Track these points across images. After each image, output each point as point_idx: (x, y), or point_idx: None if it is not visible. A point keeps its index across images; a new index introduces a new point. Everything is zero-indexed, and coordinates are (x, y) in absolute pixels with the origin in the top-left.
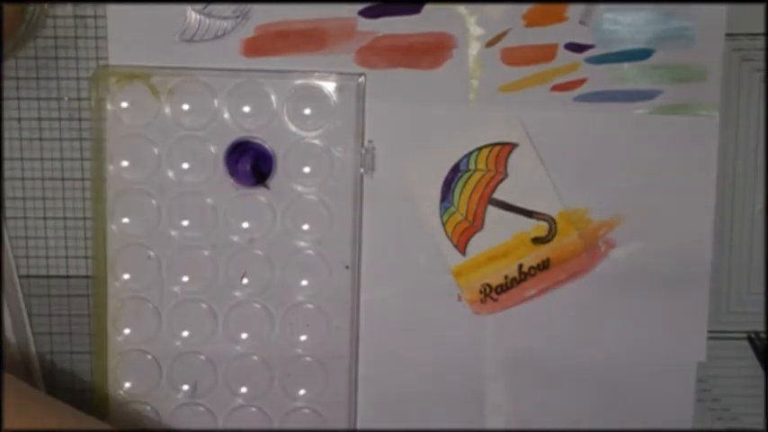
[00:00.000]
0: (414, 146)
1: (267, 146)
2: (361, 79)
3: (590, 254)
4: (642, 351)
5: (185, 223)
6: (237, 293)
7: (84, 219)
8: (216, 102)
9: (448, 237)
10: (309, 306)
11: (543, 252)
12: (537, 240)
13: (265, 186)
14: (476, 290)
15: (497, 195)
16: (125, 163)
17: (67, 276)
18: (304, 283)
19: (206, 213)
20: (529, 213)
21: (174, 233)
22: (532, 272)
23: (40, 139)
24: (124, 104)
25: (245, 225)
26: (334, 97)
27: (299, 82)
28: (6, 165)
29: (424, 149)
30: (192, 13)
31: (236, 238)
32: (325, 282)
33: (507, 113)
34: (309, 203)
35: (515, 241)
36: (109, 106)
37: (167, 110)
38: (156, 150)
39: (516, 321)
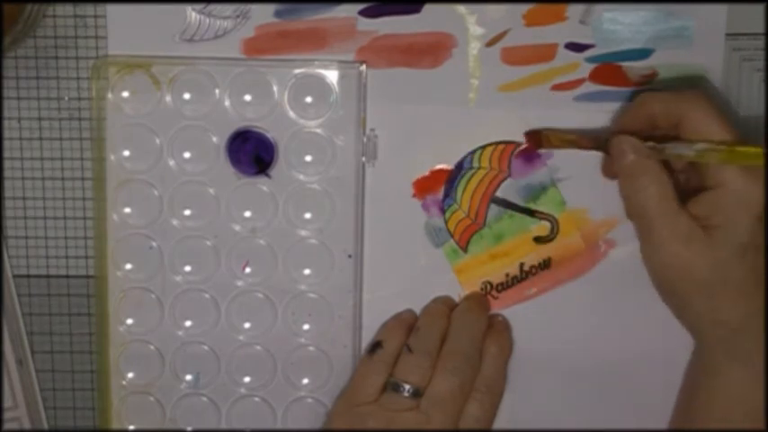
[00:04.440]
0: (413, 145)
1: (269, 135)
2: (363, 67)
3: (590, 254)
4: (642, 350)
5: (187, 213)
6: (240, 283)
7: (85, 218)
8: (217, 91)
9: (450, 234)
10: (312, 295)
11: (545, 251)
12: (539, 240)
13: (267, 175)
14: (477, 287)
15: (500, 194)
16: (126, 153)
17: (67, 276)
18: (306, 272)
19: (208, 203)
20: (531, 212)
21: (175, 223)
22: (533, 271)
23: (40, 138)
24: (125, 94)
25: (247, 214)
26: (336, 86)
27: (300, 71)
28: (6, 165)
29: (423, 149)
30: (192, 13)
31: (238, 228)
32: (327, 271)
33: (508, 113)
34: (311, 192)
35: (517, 240)
36: (110, 96)
37: (168, 99)
38: (157, 140)
39: (516, 320)
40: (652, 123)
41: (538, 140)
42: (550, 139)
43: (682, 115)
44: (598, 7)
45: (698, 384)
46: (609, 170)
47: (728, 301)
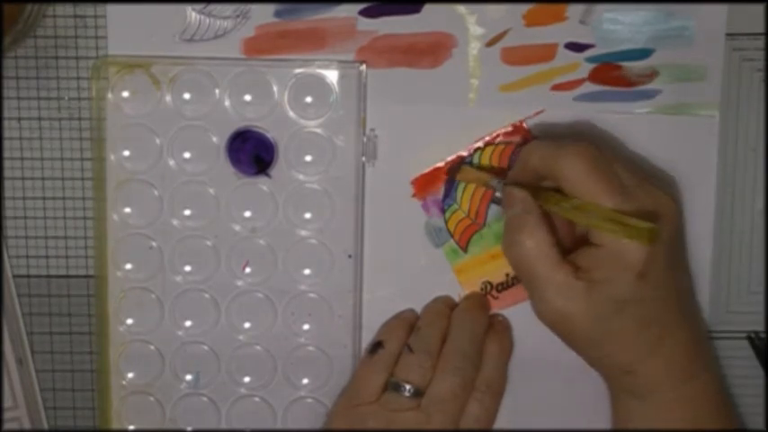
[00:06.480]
0: (413, 145)
1: (269, 135)
2: (363, 67)
3: None
4: None
5: (187, 213)
6: (240, 283)
7: (85, 218)
8: (217, 91)
9: (450, 234)
10: (312, 295)
11: None
12: None
13: (267, 175)
14: (477, 287)
15: (500, 194)
16: (126, 153)
17: (67, 276)
18: (306, 272)
19: (208, 203)
20: None
21: (175, 223)
22: None
23: (40, 138)
24: (125, 94)
25: (247, 214)
26: (336, 86)
27: (300, 71)
28: (6, 165)
29: (423, 149)
30: (192, 13)
31: (238, 228)
32: (327, 271)
33: (508, 113)
34: (311, 192)
35: None
36: (110, 96)
37: (168, 99)
38: (157, 140)
39: (516, 320)
40: (537, 176)
41: (454, 173)
42: (465, 176)
43: (560, 170)
44: (598, 7)
45: (613, 410)
46: None
47: (615, 349)
